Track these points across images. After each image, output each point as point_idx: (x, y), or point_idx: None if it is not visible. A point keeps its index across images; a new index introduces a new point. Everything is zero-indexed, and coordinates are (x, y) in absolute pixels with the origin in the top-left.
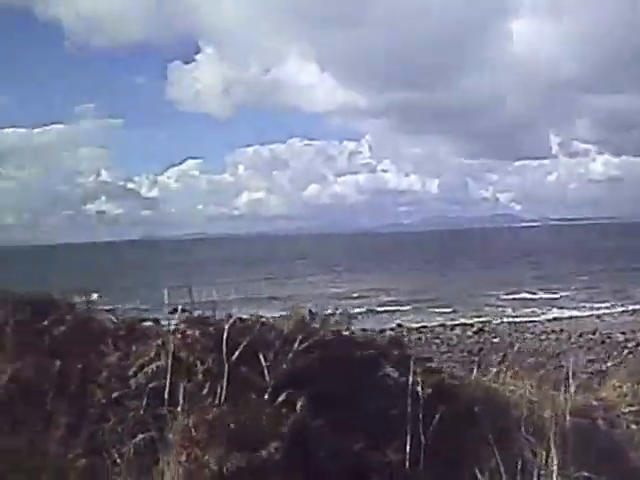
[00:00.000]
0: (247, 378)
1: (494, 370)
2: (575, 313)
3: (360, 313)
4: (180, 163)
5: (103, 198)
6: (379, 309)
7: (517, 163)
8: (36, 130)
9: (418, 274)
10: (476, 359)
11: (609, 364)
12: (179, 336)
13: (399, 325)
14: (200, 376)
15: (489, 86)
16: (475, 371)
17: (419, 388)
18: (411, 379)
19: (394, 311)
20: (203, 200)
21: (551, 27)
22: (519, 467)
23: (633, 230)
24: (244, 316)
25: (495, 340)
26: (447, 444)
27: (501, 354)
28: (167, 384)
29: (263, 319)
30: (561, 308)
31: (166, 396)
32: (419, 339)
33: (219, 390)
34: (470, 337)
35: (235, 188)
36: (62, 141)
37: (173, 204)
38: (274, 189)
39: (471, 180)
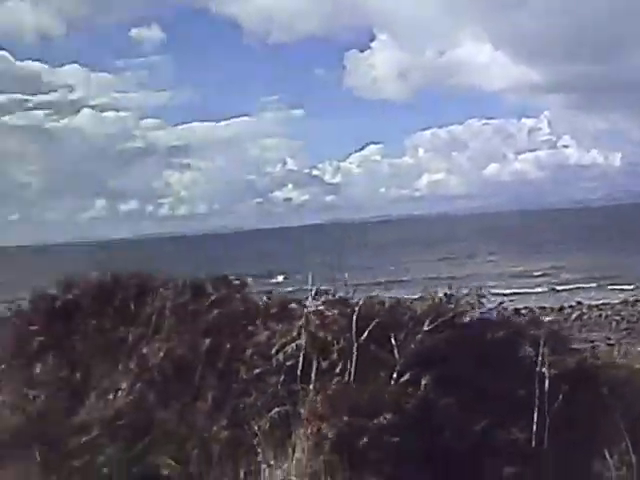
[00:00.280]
0: (377, 356)
1: None
2: None
3: (540, 292)
4: (361, 149)
5: (290, 186)
6: (559, 287)
7: None
8: (222, 123)
9: (600, 251)
10: None
11: None
12: (318, 317)
13: (579, 302)
14: (334, 355)
15: None
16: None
17: (545, 369)
18: (540, 359)
19: (575, 289)
20: (385, 183)
21: None
22: None
23: None
24: (381, 298)
25: None
26: (577, 424)
27: None
28: (303, 362)
29: (399, 301)
30: None
31: (301, 373)
32: (599, 316)
33: (349, 367)
34: None
35: (415, 170)
36: (247, 133)
37: (356, 188)
38: (454, 170)
39: None
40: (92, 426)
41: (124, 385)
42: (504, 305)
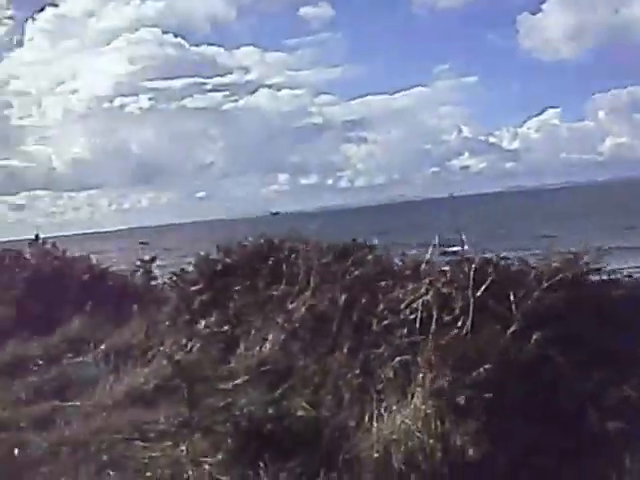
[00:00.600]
0: (493, 312)
1: None
2: None
3: None
4: (539, 114)
5: (466, 154)
6: None
7: None
8: (396, 95)
9: None
10: None
11: None
12: (443, 275)
13: None
14: (454, 309)
15: None
16: None
17: None
18: None
19: None
20: (565, 148)
21: None
22: None
23: None
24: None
25: None
26: None
27: None
28: (426, 316)
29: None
30: None
31: (423, 326)
32: None
33: (468, 321)
34: None
35: (597, 134)
36: (422, 103)
37: (535, 154)
38: (638, 133)
39: None
40: (239, 372)
41: (271, 337)
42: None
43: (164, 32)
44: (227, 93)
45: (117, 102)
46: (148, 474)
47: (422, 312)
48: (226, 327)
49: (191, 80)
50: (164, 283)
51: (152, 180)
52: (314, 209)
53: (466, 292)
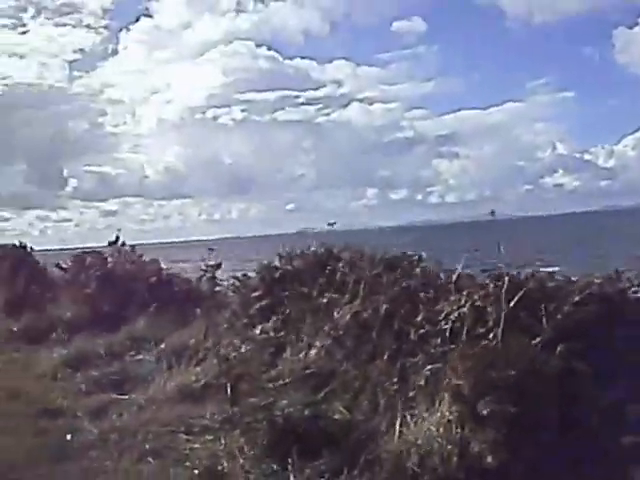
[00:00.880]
0: (523, 324)
1: None
2: None
3: None
4: (636, 131)
5: (560, 171)
6: None
7: None
8: (490, 110)
9: None
10: None
11: None
12: (480, 289)
13: None
14: (486, 321)
15: None
16: None
17: None
18: None
19: None
20: None
21: None
22: None
23: None
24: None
25: None
26: None
27: None
28: (460, 327)
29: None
30: None
31: (457, 336)
32: None
33: (498, 333)
34: None
35: None
36: (516, 118)
37: (631, 173)
38: None
39: None
40: (284, 375)
41: (317, 343)
42: None
43: (257, 45)
44: (320, 106)
45: (210, 113)
46: (187, 464)
47: (456, 323)
48: (278, 332)
49: (284, 93)
50: (227, 288)
51: (243, 191)
52: (405, 223)
53: (499, 305)
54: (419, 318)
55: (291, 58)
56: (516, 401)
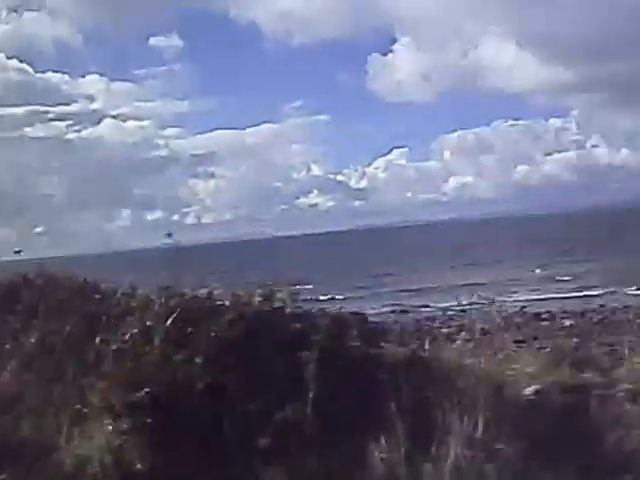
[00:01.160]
0: (178, 342)
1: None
2: None
3: (566, 297)
4: (386, 153)
5: (315, 192)
6: (583, 292)
7: None
8: (247, 130)
9: (630, 254)
10: None
11: None
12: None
13: (601, 306)
14: (155, 341)
15: None
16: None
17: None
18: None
19: (601, 294)
20: (411, 188)
21: None
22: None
23: None
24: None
25: None
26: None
27: None
28: (124, 346)
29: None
30: None
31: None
32: (627, 320)
33: (153, 349)
34: None
35: (442, 174)
36: (273, 139)
37: (382, 194)
38: (481, 173)
39: None
40: None
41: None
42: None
43: (8, 57)
44: (71, 122)
45: None
46: None
47: (127, 343)
48: None
49: (33, 108)
50: None
51: None
52: (159, 246)
53: (161, 323)
54: (97, 340)
55: (43, 71)
56: (162, 413)
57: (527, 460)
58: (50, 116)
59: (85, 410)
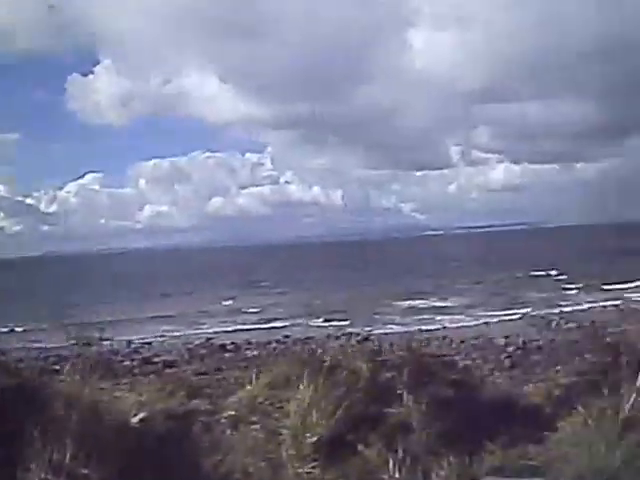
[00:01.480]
0: None
1: None
2: (466, 320)
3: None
4: (80, 177)
5: (1, 214)
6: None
7: (418, 173)
8: None
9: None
10: None
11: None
12: None
13: (286, 336)
14: None
15: (391, 96)
16: None
17: None
18: None
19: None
20: (105, 214)
21: (451, 37)
22: None
23: (536, 235)
24: None
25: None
26: None
27: None
28: None
29: None
30: (451, 315)
31: None
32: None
33: None
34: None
35: (137, 201)
36: None
37: (75, 219)
38: (177, 202)
39: (374, 190)
40: None
41: None
42: None
43: None
44: None
45: None
46: None
47: None
48: None
49: None
50: None
51: None
52: None
53: None
54: None
55: None
56: None
57: None
58: None
59: None
